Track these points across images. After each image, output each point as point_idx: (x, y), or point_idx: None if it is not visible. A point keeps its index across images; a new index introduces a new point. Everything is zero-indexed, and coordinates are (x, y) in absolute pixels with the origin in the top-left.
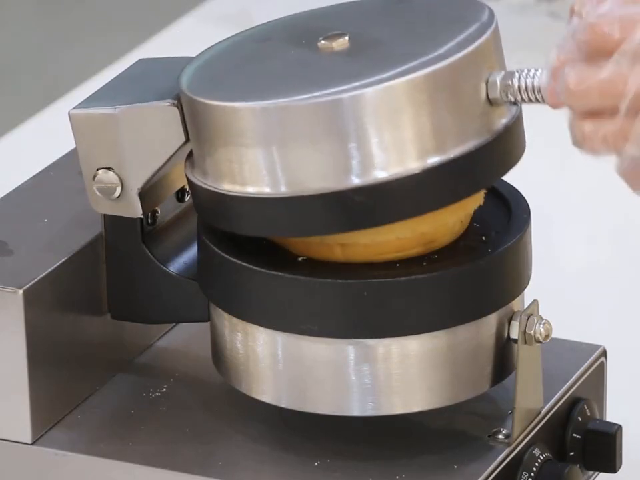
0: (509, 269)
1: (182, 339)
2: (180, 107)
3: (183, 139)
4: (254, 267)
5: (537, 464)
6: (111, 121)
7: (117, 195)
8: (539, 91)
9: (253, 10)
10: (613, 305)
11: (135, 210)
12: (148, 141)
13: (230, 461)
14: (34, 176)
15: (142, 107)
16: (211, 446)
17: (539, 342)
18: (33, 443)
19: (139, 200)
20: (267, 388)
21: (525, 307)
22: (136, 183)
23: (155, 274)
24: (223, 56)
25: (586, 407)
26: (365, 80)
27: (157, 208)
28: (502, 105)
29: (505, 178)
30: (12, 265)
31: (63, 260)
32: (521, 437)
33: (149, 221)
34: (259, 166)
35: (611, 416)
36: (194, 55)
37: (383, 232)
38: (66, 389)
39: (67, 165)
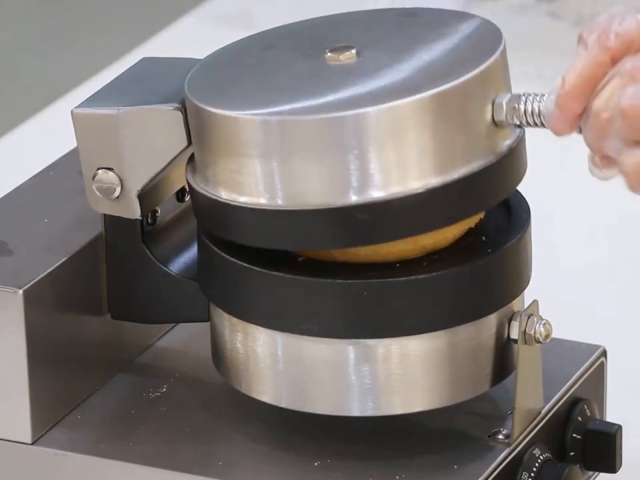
0: (509, 269)
1: (182, 339)
2: (183, 111)
3: (185, 142)
4: (254, 267)
5: (537, 464)
6: (114, 122)
7: (117, 196)
8: (545, 116)
9: (253, 10)
10: (613, 305)
11: (134, 211)
12: (150, 144)
13: (230, 460)
14: (34, 176)
15: (145, 109)
16: (211, 446)
17: (539, 342)
18: (33, 443)
19: (138, 201)
20: (267, 388)
21: (525, 307)
22: (136, 185)
23: (155, 274)
24: (228, 62)
25: (586, 407)
26: (370, 98)
27: (157, 208)
28: (507, 127)
29: None
30: (12, 265)
31: (63, 260)
32: (521, 437)
33: (149, 220)
34: (262, 177)
35: (611, 416)
36: (194, 55)
37: (385, 245)
38: (66, 389)
39: (67, 165)
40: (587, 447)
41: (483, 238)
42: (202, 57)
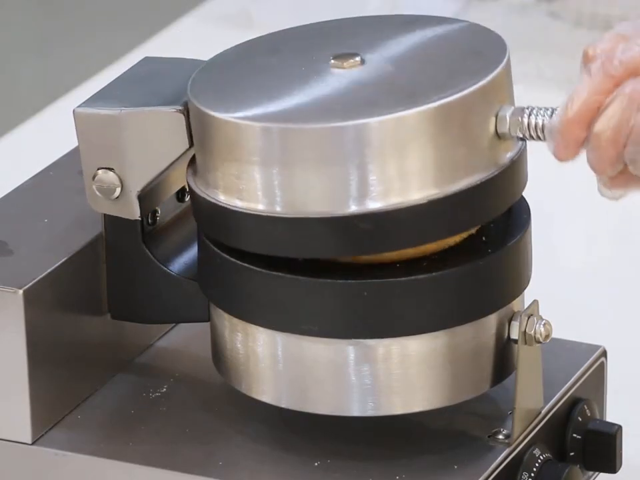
0: (509, 269)
1: (182, 339)
2: (186, 113)
3: (186, 145)
4: (254, 267)
5: (537, 464)
6: (116, 123)
7: (116, 196)
8: (548, 132)
9: (253, 10)
10: (613, 305)
11: (133, 211)
12: (151, 145)
13: (230, 461)
14: (34, 176)
15: (147, 111)
16: (211, 446)
17: (539, 342)
18: (33, 443)
19: (137, 202)
20: (267, 388)
21: (525, 307)
22: (136, 186)
23: (155, 274)
24: (232, 65)
25: (586, 407)
26: (373, 107)
27: (157, 208)
28: (509, 139)
29: None
30: (12, 265)
31: (63, 260)
32: (521, 437)
33: (149, 220)
34: (263, 184)
35: (611, 416)
36: (194, 55)
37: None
38: (66, 389)
39: (67, 165)
40: (587, 447)
41: (483, 238)
42: (202, 57)
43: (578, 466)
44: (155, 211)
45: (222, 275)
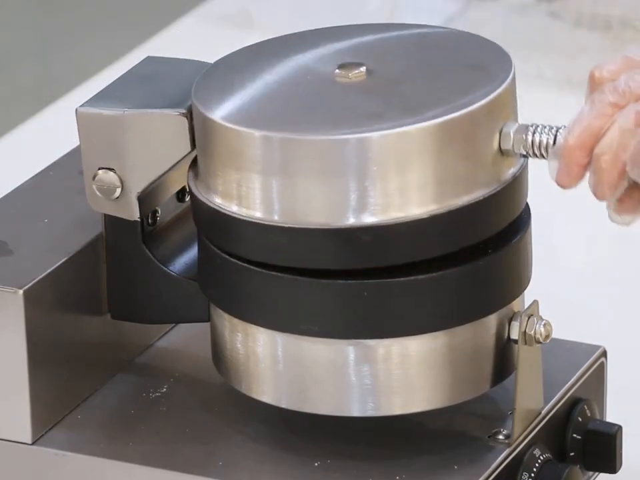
0: (509, 269)
1: (182, 339)
2: (189, 117)
3: (188, 148)
4: (254, 268)
5: (537, 464)
6: (118, 123)
7: (117, 196)
8: (553, 151)
9: (253, 10)
10: (613, 305)
11: (133, 212)
12: (153, 147)
13: (230, 461)
14: (34, 176)
15: (151, 113)
16: (211, 446)
17: (539, 342)
18: (33, 443)
19: (137, 203)
20: (267, 388)
21: (525, 307)
22: (136, 187)
23: (155, 274)
24: (237, 69)
25: (586, 408)
26: (376, 121)
27: (157, 208)
28: (512, 156)
29: None
30: (12, 265)
31: (63, 260)
32: (521, 438)
33: (149, 221)
34: (264, 192)
35: (611, 416)
36: (195, 55)
37: None
38: (66, 389)
39: (67, 165)
40: (587, 447)
41: None
42: (202, 57)
43: (578, 466)
44: (155, 211)
45: (222, 275)
